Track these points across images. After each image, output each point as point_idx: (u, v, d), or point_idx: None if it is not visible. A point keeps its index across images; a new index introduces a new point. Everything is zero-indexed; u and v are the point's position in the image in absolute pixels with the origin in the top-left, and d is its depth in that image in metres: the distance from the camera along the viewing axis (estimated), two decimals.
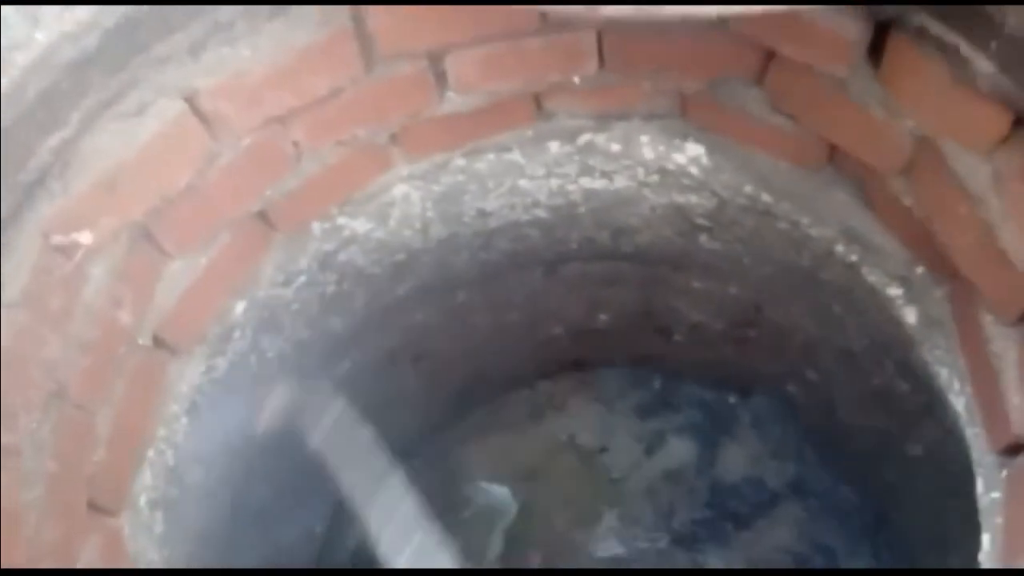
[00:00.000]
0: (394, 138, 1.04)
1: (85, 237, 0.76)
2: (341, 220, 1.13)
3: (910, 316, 0.87)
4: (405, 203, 1.17)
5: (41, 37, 0.70)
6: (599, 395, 1.99)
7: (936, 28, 0.64)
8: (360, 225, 1.16)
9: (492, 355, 1.85)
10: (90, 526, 0.85)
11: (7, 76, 0.68)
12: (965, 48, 0.62)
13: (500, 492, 1.83)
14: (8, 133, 0.70)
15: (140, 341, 0.91)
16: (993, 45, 0.59)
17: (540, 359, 1.97)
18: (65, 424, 0.80)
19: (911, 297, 0.87)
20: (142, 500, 0.96)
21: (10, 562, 0.70)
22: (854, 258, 0.93)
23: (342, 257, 1.20)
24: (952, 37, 0.62)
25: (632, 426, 1.95)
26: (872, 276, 0.92)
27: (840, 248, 0.93)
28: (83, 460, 0.83)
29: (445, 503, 1.33)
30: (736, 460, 1.91)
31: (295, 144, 0.95)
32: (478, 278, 1.50)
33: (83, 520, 0.83)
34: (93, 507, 0.85)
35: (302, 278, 1.18)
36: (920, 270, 0.86)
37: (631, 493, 1.87)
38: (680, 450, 1.92)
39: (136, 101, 0.78)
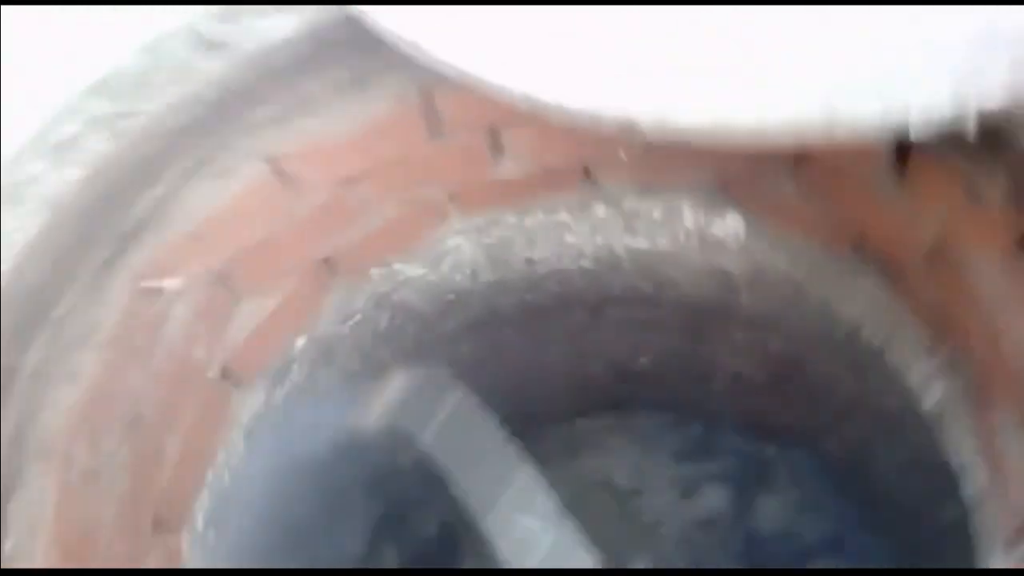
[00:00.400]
0: (451, 196, 1.12)
1: (171, 283, 0.85)
2: (397, 266, 1.21)
3: (929, 399, 0.92)
4: (457, 252, 1.25)
5: (149, 107, 0.80)
6: (636, 437, 2.01)
7: (951, 156, 0.70)
8: (414, 270, 1.24)
9: (532, 390, 1.90)
10: (153, 543, 0.94)
11: (117, 142, 0.79)
12: (977, 175, 0.67)
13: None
14: (112, 191, 0.80)
15: (209, 374, 1.01)
16: (1002, 177, 0.64)
17: (580, 397, 2.02)
18: (140, 448, 0.89)
19: (931, 381, 0.91)
20: (200, 518, 1.05)
21: None
22: (878, 339, 0.97)
23: (396, 297, 1.29)
24: (966, 165, 0.68)
25: (668, 471, 1.97)
26: (894, 357, 0.96)
27: (865, 329, 0.98)
28: (153, 481, 0.93)
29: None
30: (772, 512, 1.91)
31: (362, 201, 1.04)
32: (523, 317, 1.57)
33: (148, 537, 0.92)
34: (157, 525, 0.94)
35: (358, 316, 1.26)
36: (941, 356, 0.90)
37: (663, 539, 1.88)
38: (715, 498, 1.93)
39: (225, 163, 0.88)
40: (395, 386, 1.13)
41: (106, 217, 0.80)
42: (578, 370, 1.89)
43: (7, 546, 0.72)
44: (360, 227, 1.07)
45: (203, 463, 1.06)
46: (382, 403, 1.13)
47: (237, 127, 0.87)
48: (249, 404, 1.13)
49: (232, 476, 1.14)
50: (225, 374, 1.05)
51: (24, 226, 0.73)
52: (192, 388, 0.98)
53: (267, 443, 1.21)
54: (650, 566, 1.82)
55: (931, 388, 0.90)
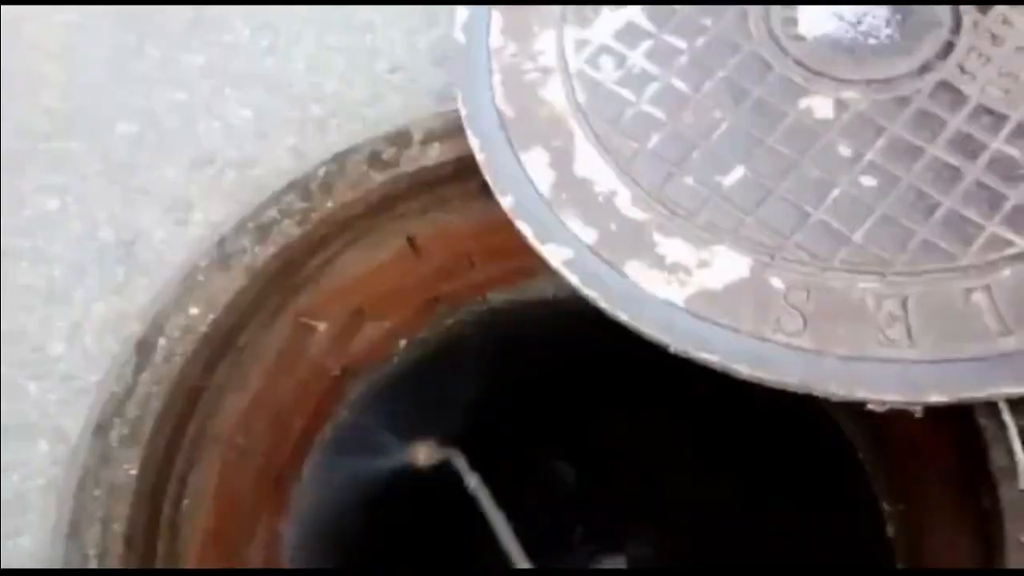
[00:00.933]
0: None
1: (322, 325, 1.13)
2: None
3: None
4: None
5: (329, 205, 1.05)
6: None
7: None
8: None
9: None
10: (273, 494, 1.25)
11: (301, 228, 1.04)
12: None
13: None
14: (292, 259, 1.06)
15: (333, 373, 1.29)
16: None
17: None
18: (277, 431, 1.19)
19: None
20: (306, 472, 1.37)
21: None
22: None
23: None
24: None
25: None
26: None
27: None
28: (281, 452, 1.23)
29: None
30: None
31: (471, 263, 1.28)
32: None
33: (271, 491, 1.23)
34: (278, 481, 1.25)
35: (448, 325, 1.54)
36: None
37: None
38: None
39: (376, 240, 1.13)
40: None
41: (284, 277, 1.07)
42: None
43: (185, 503, 1.03)
44: (465, 280, 1.32)
45: (317, 433, 1.37)
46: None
47: (390, 217, 1.11)
48: (357, 388, 1.43)
49: (334, 436, 1.45)
50: (344, 371, 1.34)
51: (228, 287, 1.01)
52: (318, 382, 1.27)
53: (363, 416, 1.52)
54: None
55: None
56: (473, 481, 1.34)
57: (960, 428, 0.91)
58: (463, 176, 1.11)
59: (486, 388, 1.61)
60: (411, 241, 1.17)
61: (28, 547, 0.88)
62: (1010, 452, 0.89)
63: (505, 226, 1.08)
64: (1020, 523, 0.81)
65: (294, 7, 1.14)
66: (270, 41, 1.11)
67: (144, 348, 0.97)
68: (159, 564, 0.96)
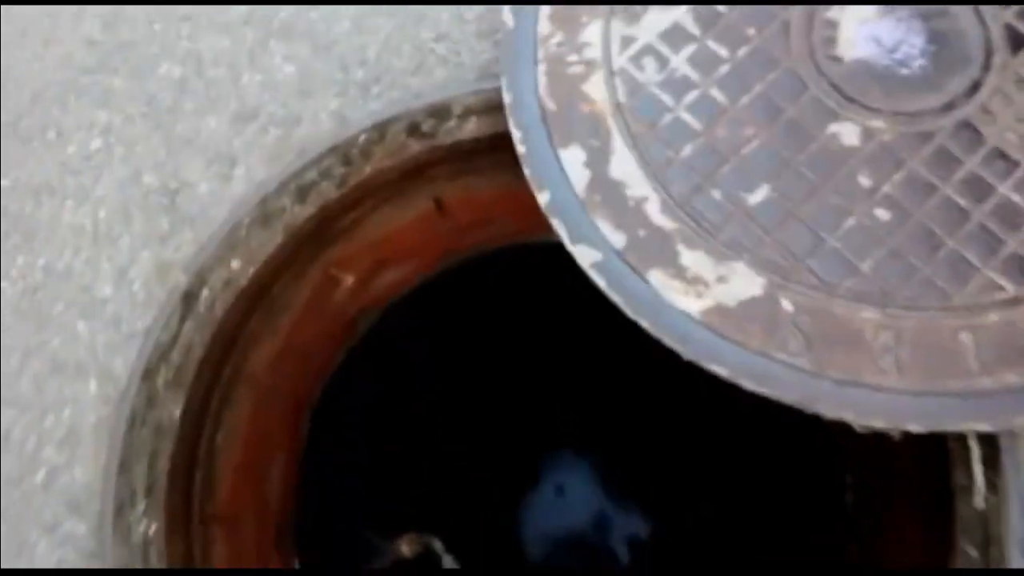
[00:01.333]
0: None
1: (349, 278, 1.18)
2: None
3: None
4: None
5: (367, 169, 1.09)
6: None
7: None
8: None
9: None
10: (299, 422, 1.34)
11: (339, 189, 1.08)
12: None
13: None
14: (327, 218, 1.11)
15: (352, 314, 1.36)
16: None
17: None
18: (299, 368, 1.27)
19: None
20: (321, 394, 1.46)
21: None
22: None
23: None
24: None
25: None
26: None
27: None
28: (304, 382, 1.31)
29: None
30: None
31: (491, 220, 1.33)
32: None
33: (298, 419, 1.33)
34: (298, 408, 1.34)
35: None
36: None
37: None
38: None
39: (406, 199, 1.17)
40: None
41: (317, 233, 1.11)
42: None
43: (219, 438, 1.12)
44: (481, 234, 1.38)
45: (333, 361, 1.45)
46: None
47: (421, 180, 1.15)
48: (369, 320, 1.50)
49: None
50: (361, 312, 1.40)
51: (267, 243, 1.05)
52: (338, 324, 1.34)
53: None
54: None
55: None
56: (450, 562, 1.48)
57: (929, 444, 1.01)
58: (496, 148, 1.14)
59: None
60: (438, 202, 1.22)
61: (81, 479, 0.96)
62: (971, 473, 1.01)
63: (528, 191, 1.14)
64: (969, 536, 0.93)
65: None
66: None
67: (188, 299, 1.02)
68: (197, 494, 1.06)
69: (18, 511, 0.96)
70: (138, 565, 0.94)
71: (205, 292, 1.03)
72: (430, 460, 1.75)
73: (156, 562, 0.96)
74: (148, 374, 1.00)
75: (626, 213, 0.97)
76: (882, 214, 0.96)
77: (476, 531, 1.81)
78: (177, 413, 1.01)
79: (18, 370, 1.01)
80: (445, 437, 1.80)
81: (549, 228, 1.50)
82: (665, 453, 1.81)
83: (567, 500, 1.97)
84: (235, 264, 1.04)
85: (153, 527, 0.96)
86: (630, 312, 0.94)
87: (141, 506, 0.97)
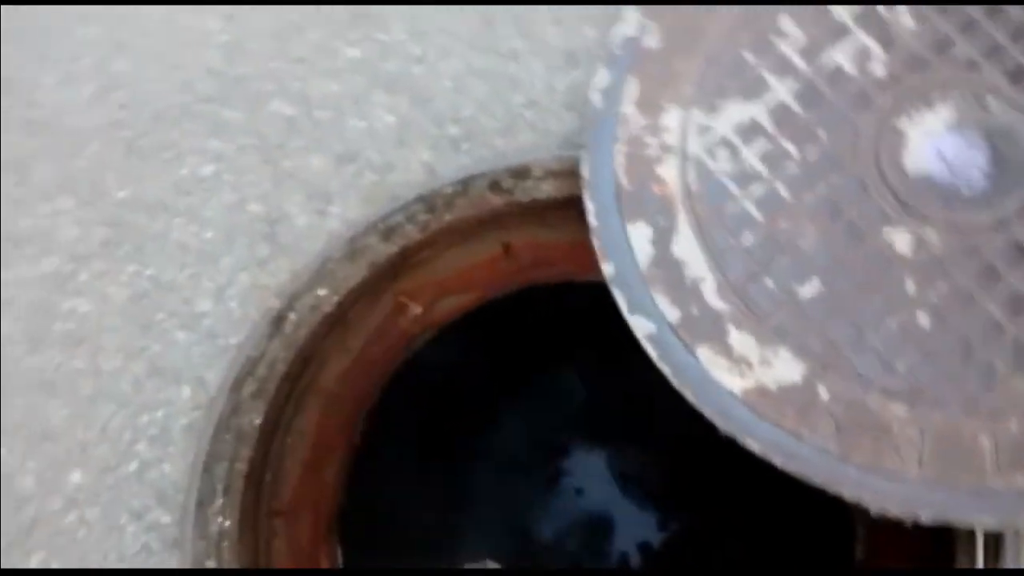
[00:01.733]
0: None
1: (416, 307, 1.28)
2: None
3: None
4: None
5: (448, 217, 1.18)
6: None
7: None
8: None
9: None
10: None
11: (421, 232, 1.18)
12: None
13: None
14: (404, 254, 1.21)
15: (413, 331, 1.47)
16: None
17: None
18: (359, 373, 1.38)
19: None
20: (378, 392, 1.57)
21: None
22: None
23: None
24: None
25: None
26: None
27: None
28: (364, 399, 1.42)
29: None
30: None
31: (553, 264, 1.43)
32: None
33: (342, 433, 1.44)
34: (359, 403, 1.45)
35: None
36: None
37: None
38: None
39: (477, 243, 1.27)
40: None
41: (394, 267, 1.21)
42: None
43: (288, 441, 1.23)
44: (542, 273, 1.47)
45: (391, 372, 1.56)
46: None
47: (493, 227, 1.25)
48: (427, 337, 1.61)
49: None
50: (422, 331, 1.51)
51: (352, 276, 1.16)
52: (402, 341, 1.45)
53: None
54: None
55: None
56: None
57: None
58: (567, 205, 1.23)
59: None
60: (506, 247, 1.31)
61: (169, 474, 1.08)
62: (973, 557, 1.07)
63: (590, 243, 1.23)
64: None
65: (447, 21, 1.22)
66: (422, 50, 1.20)
67: (278, 321, 1.13)
68: (266, 492, 1.17)
69: (112, 496, 1.08)
70: (212, 556, 1.06)
71: (292, 315, 1.14)
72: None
73: (228, 553, 1.08)
74: (236, 385, 1.11)
75: (683, 291, 1.05)
76: (923, 319, 1.03)
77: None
78: (257, 422, 1.12)
79: (120, 369, 1.13)
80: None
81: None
82: (690, 478, 1.90)
83: (586, 500, 2.07)
84: (321, 292, 1.15)
85: (228, 522, 1.08)
86: (676, 383, 1.02)
87: (219, 502, 1.08)
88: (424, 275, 1.29)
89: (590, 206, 1.08)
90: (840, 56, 1.11)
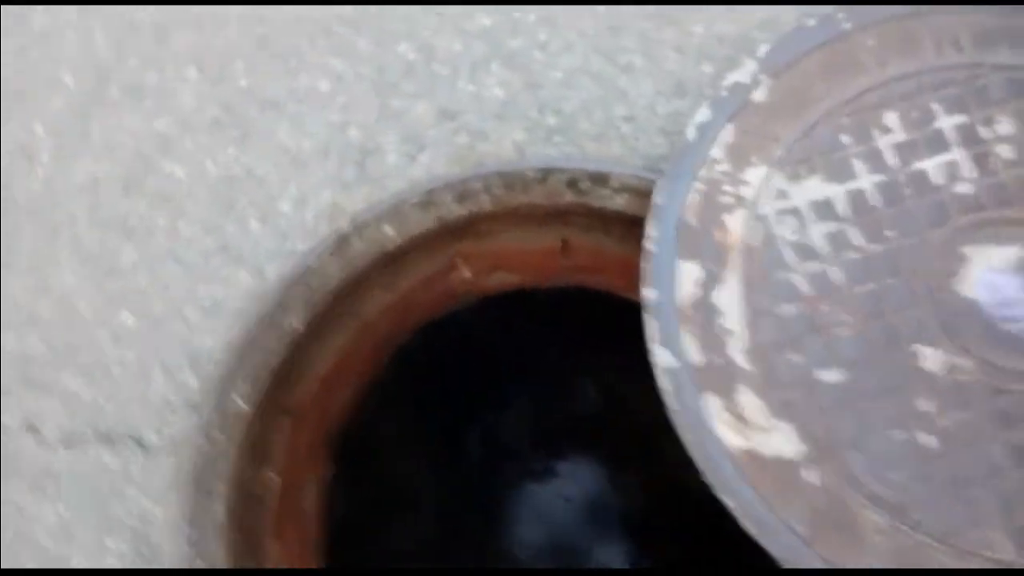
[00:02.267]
0: None
1: (467, 271, 1.36)
2: None
3: None
4: None
5: (523, 198, 1.24)
6: None
7: None
8: None
9: None
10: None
11: (493, 205, 1.24)
12: None
13: None
14: (474, 220, 1.27)
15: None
16: None
17: None
18: (399, 320, 1.46)
19: None
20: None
21: None
22: None
23: None
24: None
25: None
26: None
27: None
28: (397, 334, 1.50)
29: None
30: None
31: (605, 269, 1.48)
32: None
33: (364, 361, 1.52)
34: (375, 366, 1.54)
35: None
36: None
37: None
38: None
39: (539, 232, 1.32)
40: None
41: (459, 229, 1.28)
42: None
43: (318, 351, 1.32)
44: (592, 277, 1.52)
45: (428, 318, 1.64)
46: None
47: (559, 224, 1.30)
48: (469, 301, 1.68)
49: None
50: (466, 294, 1.58)
51: (420, 223, 1.23)
52: (446, 296, 1.52)
53: None
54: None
55: None
56: None
57: None
58: (632, 223, 1.28)
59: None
60: (565, 243, 1.37)
61: (208, 345, 1.18)
62: None
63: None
64: None
65: (579, 18, 1.26)
66: (547, 37, 1.25)
67: (342, 243, 1.22)
68: (284, 390, 1.26)
69: (152, 345, 1.19)
70: (224, 436, 1.16)
71: (356, 242, 1.22)
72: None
73: (236, 431, 1.18)
74: (287, 287, 1.20)
75: (712, 338, 1.09)
76: (928, 441, 1.05)
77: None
78: (296, 324, 1.21)
79: (194, 238, 1.23)
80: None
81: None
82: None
83: (574, 507, 2.14)
84: (388, 230, 1.23)
85: (245, 408, 1.18)
86: (676, 421, 1.07)
87: (243, 388, 1.18)
88: (484, 244, 1.36)
89: (652, 231, 1.13)
90: (931, 165, 1.12)
